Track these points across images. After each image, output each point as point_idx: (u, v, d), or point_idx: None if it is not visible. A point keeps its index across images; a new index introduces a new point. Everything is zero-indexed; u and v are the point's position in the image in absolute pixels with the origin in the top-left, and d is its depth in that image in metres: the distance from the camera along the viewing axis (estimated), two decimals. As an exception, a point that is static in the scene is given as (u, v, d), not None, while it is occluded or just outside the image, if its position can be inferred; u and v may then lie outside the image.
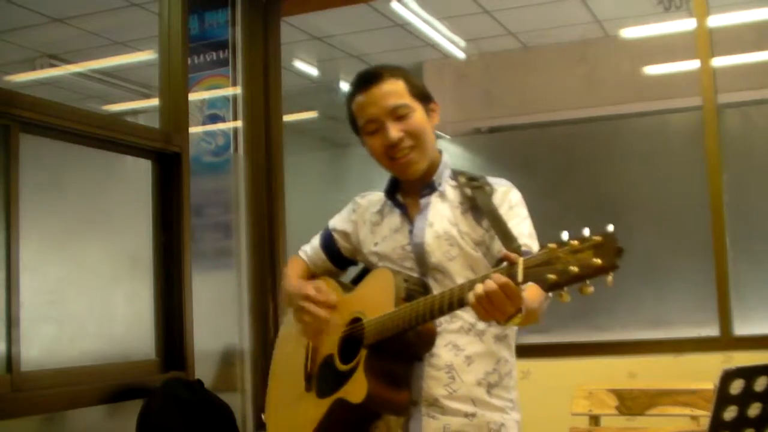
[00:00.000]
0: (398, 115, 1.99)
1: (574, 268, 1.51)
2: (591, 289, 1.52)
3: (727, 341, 3.39)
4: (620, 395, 3.07)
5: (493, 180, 2.03)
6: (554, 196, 3.92)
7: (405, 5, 5.04)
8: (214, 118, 3.90)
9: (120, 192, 3.13)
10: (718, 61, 3.57)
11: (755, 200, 3.59)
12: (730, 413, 1.66)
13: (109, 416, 2.87)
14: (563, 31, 5.42)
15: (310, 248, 2.25)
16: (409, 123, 1.99)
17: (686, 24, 4.26)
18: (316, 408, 1.99)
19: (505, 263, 1.65)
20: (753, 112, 3.78)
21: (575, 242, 1.53)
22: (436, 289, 1.91)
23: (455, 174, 2.07)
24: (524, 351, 3.70)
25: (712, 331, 3.44)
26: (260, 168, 3.88)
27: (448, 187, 2.05)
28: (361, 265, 2.20)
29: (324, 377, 2.02)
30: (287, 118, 4.03)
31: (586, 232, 1.52)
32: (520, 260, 1.61)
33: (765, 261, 3.52)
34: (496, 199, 1.97)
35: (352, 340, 1.97)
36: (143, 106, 6.21)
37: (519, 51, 5.77)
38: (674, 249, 3.68)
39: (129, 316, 3.06)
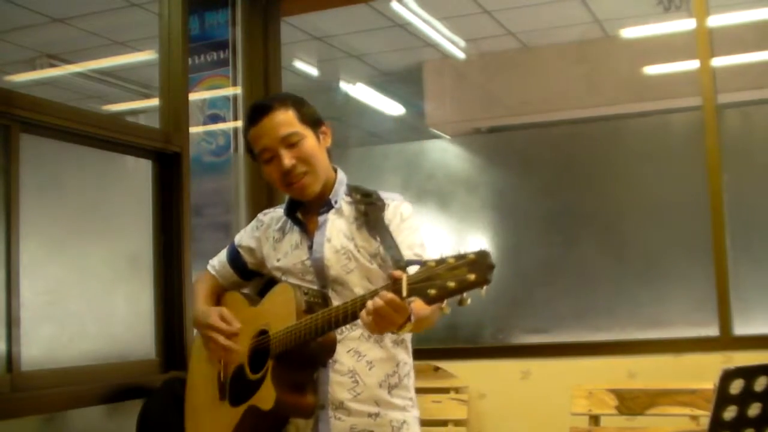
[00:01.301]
0: (289, 143, 2.14)
1: (451, 284, 1.67)
2: (468, 301, 1.68)
3: (727, 341, 3.39)
4: (620, 395, 3.08)
5: (385, 195, 2.19)
6: (554, 196, 3.92)
7: (405, 5, 5.04)
8: (215, 118, 3.91)
9: (120, 192, 3.13)
10: (718, 61, 3.57)
11: (755, 200, 3.59)
12: (730, 413, 1.66)
13: (109, 416, 2.87)
14: (563, 31, 5.42)
15: (218, 263, 2.42)
16: (300, 150, 2.15)
17: (686, 24, 4.25)
18: (231, 415, 2.14)
19: (384, 290, 1.79)
20: (753, 112, 3.78)
21: (452, 260, 1.68)
22: (336, 300, 2.09)
23: (350, 190, 2.22)
24: (524, 351, 3.74)
25: (712, 331, 3.44)
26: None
27: (344, 203, 2.21)
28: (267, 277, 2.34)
29: (236, 386, 2.17)
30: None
31: (462, 250, 1.69)
32: (404, 277, 1.75)
33: (765, 261, 3.52)
34: (388, 213, 2.14)
35: (260, 350, 2.11)
36: (143, 106, 6.21)
37: (519, 51, 5.77)
38: (674, 249, 3.68)
39: (129, 316, 3.06)
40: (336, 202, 2.20)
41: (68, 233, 2.87)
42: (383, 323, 1.80)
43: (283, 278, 2.20)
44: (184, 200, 3.19)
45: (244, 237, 2.38)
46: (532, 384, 3.54)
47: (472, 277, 1.64)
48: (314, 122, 2.20)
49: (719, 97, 3.54)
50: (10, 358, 2.52)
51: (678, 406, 2.98)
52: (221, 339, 2.18)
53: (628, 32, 5.27)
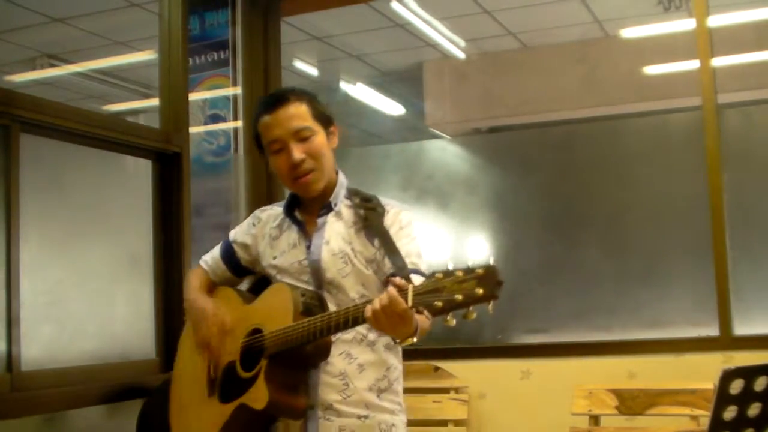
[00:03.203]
0: (301, 137, 2.13)
1: (459, 297, 1.65)
2: (474, 315, 1.66)
3: (727, 341, 3.39)
4: (620, 395, 3.08)
5: (385, 201, 2.18)
6: (554, 196, 3.92)
7: (405, 5, 5.04)
8: (216, 118, 3.91)
9: (120, 192, 3.13)
10: (718, 61, 3.57)
11: (755, 200, 3.59)
12: (730, 413, 1.66)
13: (109, 416, 2.87)
14: (563, 31, 5.42)
15: (211, 258, 2.38)
16: (310, 146, 2.14)
17: (686, 24, 4.26)
18: (220, 412, 2.12)
19: (393, 288, 1.78)
20: (753, 112, 3.78)
21: (460, 273, 1.67)
22: (330, 303, 2.09)
23: (350, 194, 2.21)
24: (524, 351, 3.74)
25: (712, 331, 3.44)
26: (260, 168, 3.88)
27: (343, 207, 2.20)
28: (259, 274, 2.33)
29: (226, 383, 2.15)
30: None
31: (470, 263, 1.67)
32: (410, 287, 1.75)
33: (765, 261, 3.52)
34: (388, 219, 2.13)
35: (253, 349, 2.10)
36: (143, 106, 6.22)
37: (519, 51, 5.77)
38: (674, 249, 3.68)
39: (129, 316, 3.06)
40: (336, 205, 2.19)
41: (68, 233, 2.87)
42: (386, 322, 1.79)
43: (278, 277, 2.19)
44: (184, 200, 3.19)
45: (239, 233, 2.35)
46: (532, 384, 3.54)
47: (480, 291, 1.63)
48: (326, 120, 2.19)
49: (719, 97, 3.53)
50: (10, 358, 2.52)
51: (678, 406, 2.98)
52: (215, 329, 2.17)
53: (628, 32, 5.28)
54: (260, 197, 3.86)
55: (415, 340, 1.86)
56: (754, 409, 1.69)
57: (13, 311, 2.52)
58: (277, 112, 2.13)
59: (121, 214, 3.10)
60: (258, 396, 2.02)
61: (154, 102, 3.44)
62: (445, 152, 4.25)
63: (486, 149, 4.30)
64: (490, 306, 1.64)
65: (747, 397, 1.67)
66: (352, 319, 1.89)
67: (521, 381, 3.54)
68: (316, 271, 2.13)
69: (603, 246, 3.77)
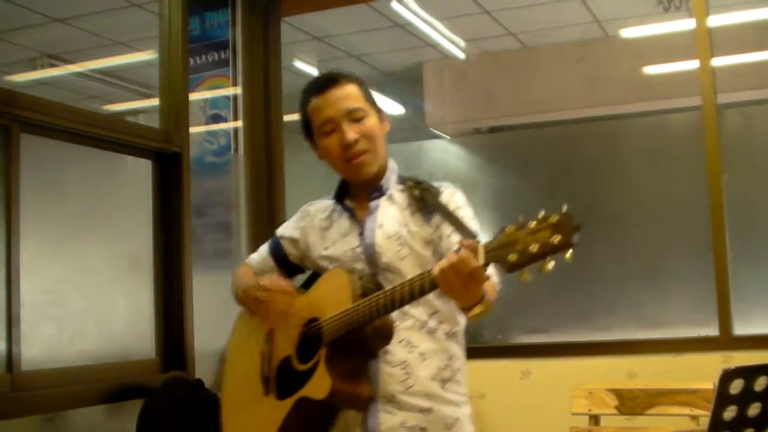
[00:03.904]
0: (354, 117, 2.07)
1: (534, 248, 1.57)
2: (551, 266, 1.58)
3: (727, 341, 3.39)
4: (620, 395, 3.07)
5: (437, 183, 2.11)
6: (554, 196, 3.92)
7: (405, 5, 5.04)
8: (216, 118, 3.91)
9: (120, 192, 3.13)
10: (718, 61, 3.57)
11: (755, 200, 3.59)
12: (730, 413, 1.66)
13: (109, 416, 2.87)
14: (563, 31, 5.42)
15: (258, 256, 2.33)
16: (364, 126, 2.08)
17: (686, 24, 4.26)
18: (277, 409, 2.03)
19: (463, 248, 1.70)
20: (753, 112, 3.79)
21: (533, 223, 1.59)
22: None
23: (402, 179, 2.14)
24: (524, 351, 3.74)
25: (712, 330, 3.44)
26: (260, 168, 3.88)
27: (395, 191, 2.13)
28: (308, 274, 2.24)
29: (282, 379, 2.06)
30: (287, 118, 4.03)
31: (542, 213, 1.58)
32: (480, 245, 1.68)
33: (765, 261, 3.53)
34: (443, 199, 2.04)
35: (309, 340, 2.01)
36: (143, 106, 6.21)
37: (519, 51, 5.77)
38: (674, 249, 3.68)
39: (129, 316, 3.06)
40: (387, 189, 2.12)
41: (68, 233, 2.87)
42: (456, 283, 1.70)
43: (331, 267, 2.09)
44: (184, 200, 3.19)
45: (287, 228, 2.28)
46: (532, 384, 3.54)
47: (556, 239, 1.54)
48: (376, 105, 2.14)
49: (719, 97, 3.53)
50: (10, 358, 2.52)
51: (678, 406, 2.97)
52: (275, 295, 2.07)
53: (628, 32, 5.28)
54: (260, 197, 3.87)
55: (482, 308, 1.77)
56: (754, 409, 1.68)
57: (13, 311, 2.52)
58: (329, 92, 2.07)
59: (121, 214, 3.10)
60: (319, 385, 1.92)
61: (154, 102, 3.44)
62: (445, 152, 4.25)
63: (486, 149, 4.30)
64: (568, 254, 1.55)
65: (747, 397, 1.67)
66: (419, 288, 1.80)
67: (521, 381, 3.54)
68: (370, 256, 2.05)
69: (603, 246, 3.77)
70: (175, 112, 3.27)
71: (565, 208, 1.56)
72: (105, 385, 2.80)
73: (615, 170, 3.88)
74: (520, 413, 3.54)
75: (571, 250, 1.55)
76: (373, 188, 2.12)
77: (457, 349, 2.10)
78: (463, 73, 5.84)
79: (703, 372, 2.91)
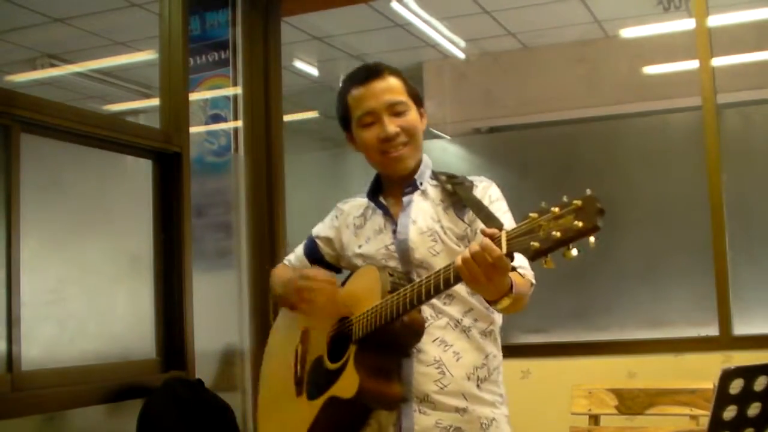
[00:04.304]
0: (395, 111, 2.04)
1: (557, 233, 1.53)
2: (573, 253, 1.54)
3: (727, 341, 3.39)
4: (620, 395, 3.07)
5: (472, 177, 2.08)
6: (554, 196, 3.91)
7: (405, 5, 5.04)
8: (217, 118, 3.91)
9: (120, 192, 3.13)
10: (718, 61, 3.57)
11: (755, 200, 3.59)
12: (730, 413, 1.66)
13: (109, 416, 2.87)
14: (563, 31, 5.42)
15: (294, 257, 2.31)
16: (405, 120, 2.05)
17: (686, 24, 4.27)
18: (308, 410, 2.00)
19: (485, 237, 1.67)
20: (753, 112, 3.78)
21: (556, 209, 1.55)
22: None
23: (435, 174, 2.11)
24: (524, 351, 3.74)
25: (712, 330, 3.44)
26: (260, 168, 3.88)
27: (429, 186, 2.10)
28: (345, 274, 2.21)
29: (314, 379, 2.04)
30: (287, 118, 4.04)
31: (565, 198, 1.55)
32: (502, 233, 1.64)
33: (765, 261, 3.53)
34: (477, 193, 2.02)
35: (341, 338, 1.99)
36: (143, 106, 6.21)
37: (519, 51, 5.77)
38: (674, 249, 3.68)
39: (129, 316, 3.06)
40: (422, 184, 2.08)
41: (68, 233, 2.87)
42: (478, 273, 1.65)
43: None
44: (184, 200, 3.19)
45: (321, 228, 2.25)
46: (532, 384, 3.53)
47: (579, 224, 1.49)
48: (418, 99, 2.10)
49: (719, 97, 3.53)
50: (11, 358, 2.52)
51: (678, 406, 2.98)
52: (318, 284, 2.02)
53: (628, 32, 5.28)
54: (260, 197, 3.87)
55: (510, 301, 1.73)
56: (753, 409, 1.68)
57: (14, 311, 2.51)
58: (371, 83, 2.04)
59: (122, 214, 3.10)
60: (347, 384, 1.88)
61: (154, 102, 3.44)
62: (445, 152, 4.25)
63: (486, 149, 4.30)
64: (592, 239, 1.51)
65: (747, 396, 1.66)
66: (443, 280, 1.75)
67: (521, 381, 3.54)
68: (404, 252, 2.01)
69: (603, 245, 3.76)
70: (175, 112, 3.27)
71: (588, 192, 1.52)
72: (105, 384, 2.80)
73: (615, 170, 3.87)
74: (519, 413, 3.52)
75: (594, 236, 1.51)
76: (407, 183, 2.09)
77: (494, 348, 2.05)
78: (463, 73, 5.84)
79: (702, 372, 2.91)
